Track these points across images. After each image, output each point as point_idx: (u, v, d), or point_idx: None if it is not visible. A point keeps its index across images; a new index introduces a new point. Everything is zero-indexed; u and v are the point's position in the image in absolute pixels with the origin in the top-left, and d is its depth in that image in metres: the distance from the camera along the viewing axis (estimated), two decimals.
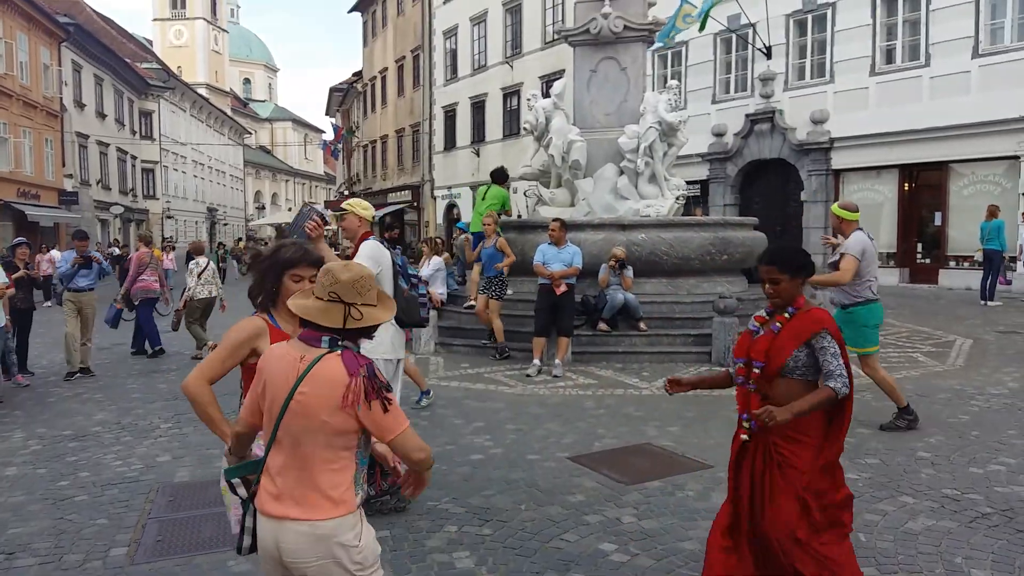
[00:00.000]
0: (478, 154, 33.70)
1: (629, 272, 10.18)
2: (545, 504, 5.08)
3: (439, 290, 11.22)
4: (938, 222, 20.02)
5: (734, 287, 10.91)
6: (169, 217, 52.69)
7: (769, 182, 23.14)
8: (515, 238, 11.13)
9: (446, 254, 12.54)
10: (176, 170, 55.83)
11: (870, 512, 4.84)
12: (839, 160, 21.49)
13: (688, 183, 16.48)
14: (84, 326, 10.21)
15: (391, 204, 41.97)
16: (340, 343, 2.40)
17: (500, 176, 11.94)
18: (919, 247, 20.72)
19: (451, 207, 36.57)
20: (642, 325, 10.11)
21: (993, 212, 16.04)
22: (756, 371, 3.26)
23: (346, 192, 53.20)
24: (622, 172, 12.22)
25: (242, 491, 2.48)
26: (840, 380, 3.15)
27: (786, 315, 3.32)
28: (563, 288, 9.01)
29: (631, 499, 5.16)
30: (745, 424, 3.27)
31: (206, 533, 4.75)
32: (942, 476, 5.50)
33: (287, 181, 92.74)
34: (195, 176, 60.89)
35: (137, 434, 7.11)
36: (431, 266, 11.54)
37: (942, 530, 4.54)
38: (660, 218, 11.61)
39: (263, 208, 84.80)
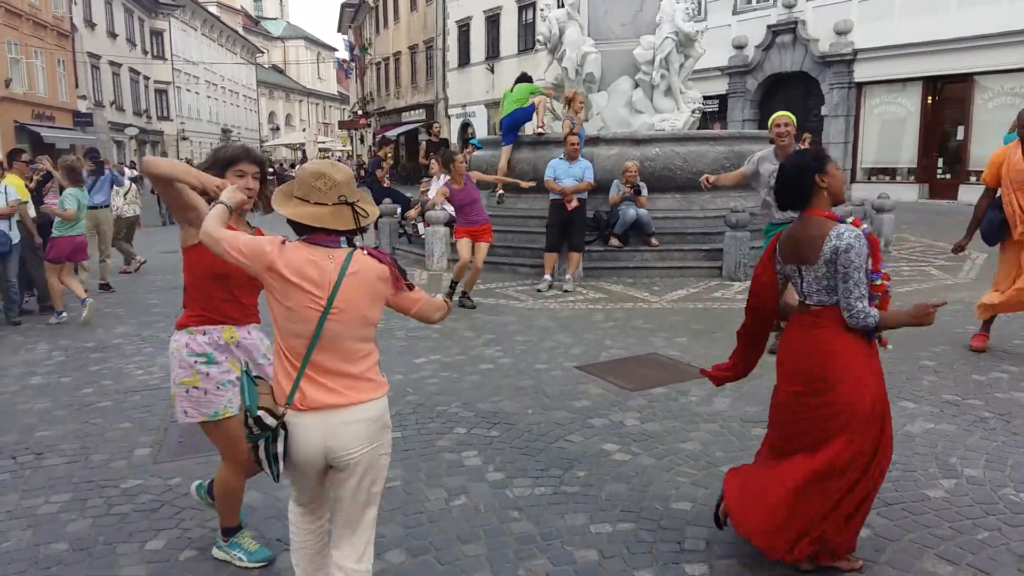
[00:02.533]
0: (492, 70, 33.15)
1: (644, 191, 10.13)
2: (551, 409, 5.23)
3: (448, 207, 11.22)
4: (960, 136, 19.64)
5: (747, 202, 10.84)
6: (184, 139, 52.52)
7: (790, 96, 22.66)
8: (529, 156, 11.08)
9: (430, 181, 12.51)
10: (189, 91, 55.34)
11: None
12: (862, 72, 20.99)
13: (707, 98, 16.24)
14: (102, 243, 10.36)
15: (405, 123, 41.61)
16: (354, 243, 2.55)
17: (526, 77, 11.97)
18: (940, 162, 20.38)
19: (466, 126, 36.20)
20: (654, 240, 10.12)
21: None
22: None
23: (360, 112, 52.66)
24: (637, 85, 12.01)
25: (271, 420, 2.46)
26: None
27: None
28: (575, 203, 9.00)
29: (635, 404, 5.29)
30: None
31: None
32: (944, 383, 5.58)
33: (301, 101, 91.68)
34: (208, 97, 60.36)
35: (157, 345, 7.31)
36: (442, 182, 11.52)
37: (939, 433, 4.65)
38: (675, 132, 11.46)
39: (277, 129, 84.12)
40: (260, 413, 2.45)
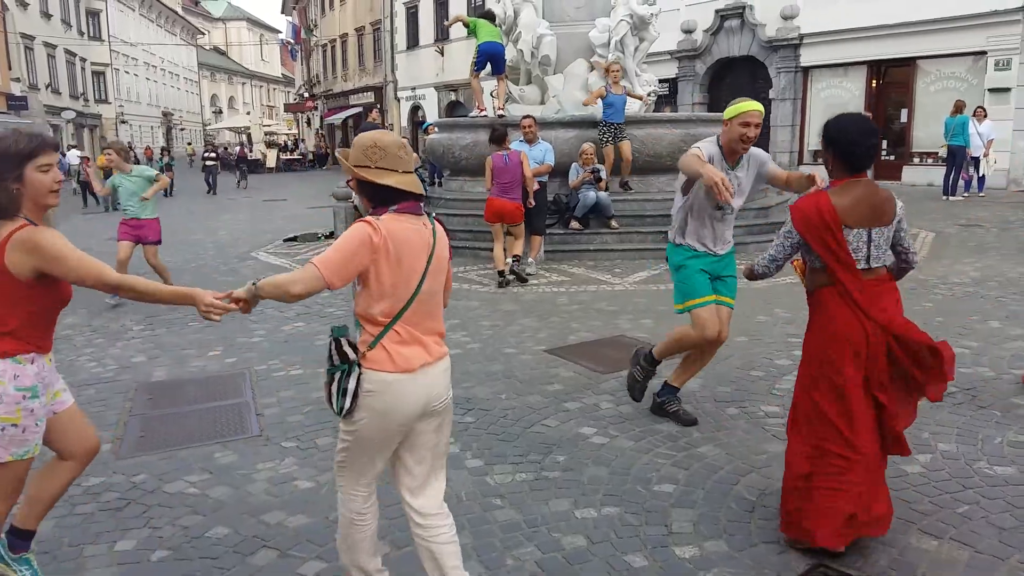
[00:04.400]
0: (442, 53, 32.78)
1: (603, 174, 10.12)
2: (524, 394, 5.18)
3: None
4: (904, 119, 20.08)
5: None
6: (123, 122, 50.91)
7: (738, 80, 22.88)
8: (486, 138, 10.93)
9: (415, 155, 12.29)
10: (128, 73, 53.67)
11: None
12: (808, 57, 21.27)
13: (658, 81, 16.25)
14: None
15: (353, 106, 40.94)
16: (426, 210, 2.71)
17: (491, 16, 11.99)
18: (884, 144, 20.82)
19: (415, 109, 35.80)
20: (614, 223, 10.12)
21: (959, 107, 16.09)
22: None
23: (306, 95, 51.70)
24: (593, 68, 11.96)
25: (351, 351, 2.55)
26: None
27: None
28: (535, 187, 8.93)
29: (608, 387, 5.27)
30: None
31: (188, 428, 4.78)
32: None
33: (244, 84, 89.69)
34: (148, 79, 58.65)
35: (109, 336, 7.05)
36: None
37: None
38: (631, 115, 11.45)
39: (220, 112, 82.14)
40: (343, 340, 2.55)
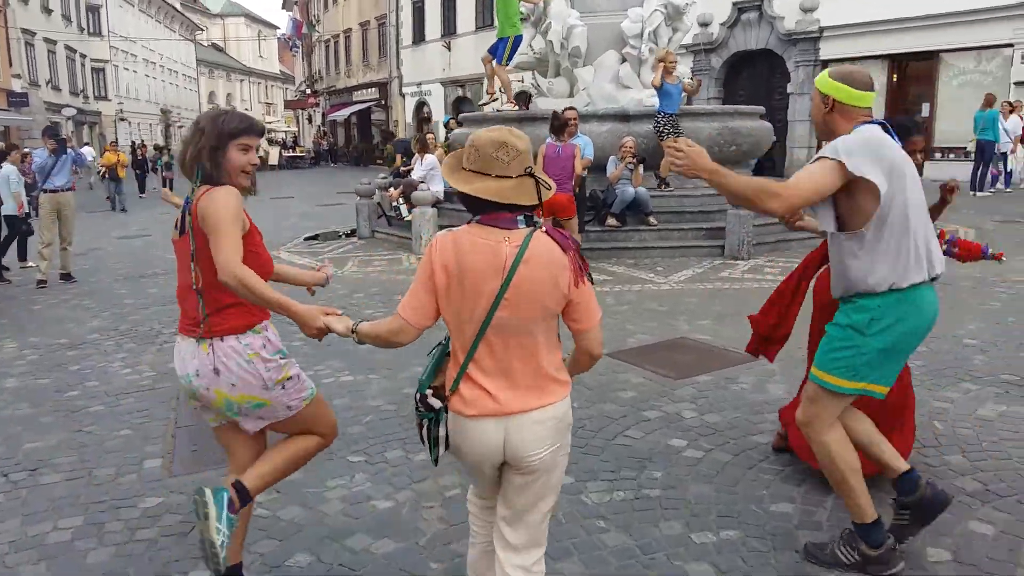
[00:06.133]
0: (449, 48, 32.42)
1: (640, 169, 9.79)
2: (597, 402, 4.85)
3: (435, 188, 10.74)
4: (925, 113, 19.76)
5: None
6: (123, 119, 50.41)
7: (755, 74, 22.56)
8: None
9: (439, 150, 11.96)
10: (127, 69, 53.13)
11: (937, 400, 4.68)
12: (827, 50, 20.92)
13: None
14: (64, 229, 9.62)
15: (357, 103, 40.62)
16: (535, 221, 2.23)
17: None
18: None
19: (421, 105, 35.43)
20: (652, 219, 9.79)
21: (990, 101, 15.77)
22: None
23: (308, 91, 51.29)
24: (624, 59, 11.62)
25: (436, 402, 2.28)
26: None
27: None
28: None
29: (685, 393, 4.95)
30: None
31: None
32: (995, 363, 5.37)
33: (242, 81, 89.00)
34: (147, 76, 58.07)
35: (140, 340, 6.71)
36: (424, 165, 11.03)
37: (1016, 415, 4.40)
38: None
39: None
40: (428, 391, 2.29)
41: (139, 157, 25.60)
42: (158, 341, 6.66)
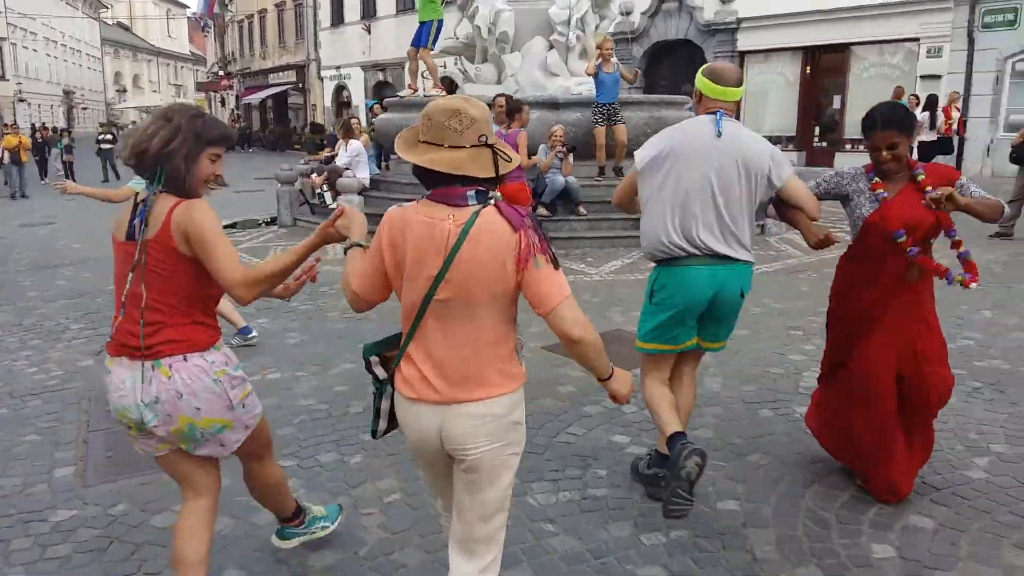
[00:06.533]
0: (369, 31, 31.78)
1: (571, 158, 9.72)
2: (537, 398, 4.75)
3: (361, 175, 10.46)
4: (837, 105, 20.39)
5: None
6: (22, 100, 47.74)
7: (675, 64, 22.86)
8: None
9: (364, 136, 11.64)
10: (27, 48, 50.34)
11: None
12: (745, 41, 21.38)
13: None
14: None
15: (273, 86, 39.47)
16: (488, 195, 2.07)
17: None
18: (816, 131, 21.14)
19: (341, 89, 34.68)
20: (582, 209, 9.75)
21: (899, 94, 16.32)
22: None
23: (221, 73, 49.56)
24: (552, 46, 11.53)
25: (380, 371, 2.25)
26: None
27: (919, 176, 3.16)
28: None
29: None
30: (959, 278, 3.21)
31: None
32: None
33: (150, 61, 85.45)
34: (48, 55, 55.17)
35: (46, 337, 6.28)
36: (349, 151, 10.72)
37: None
38: (586, 97, 11.07)
39: (124, 91, 78.14)
40: (373, 359, 2.25)
41: (40, 140, 24.05)
42: (65, 337, 6.24)
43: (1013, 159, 9.92)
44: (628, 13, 23.02)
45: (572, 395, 4.79)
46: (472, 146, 2.03)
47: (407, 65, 12.67)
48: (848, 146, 20.00)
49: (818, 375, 3.75)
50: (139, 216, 2.35)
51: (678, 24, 22.35)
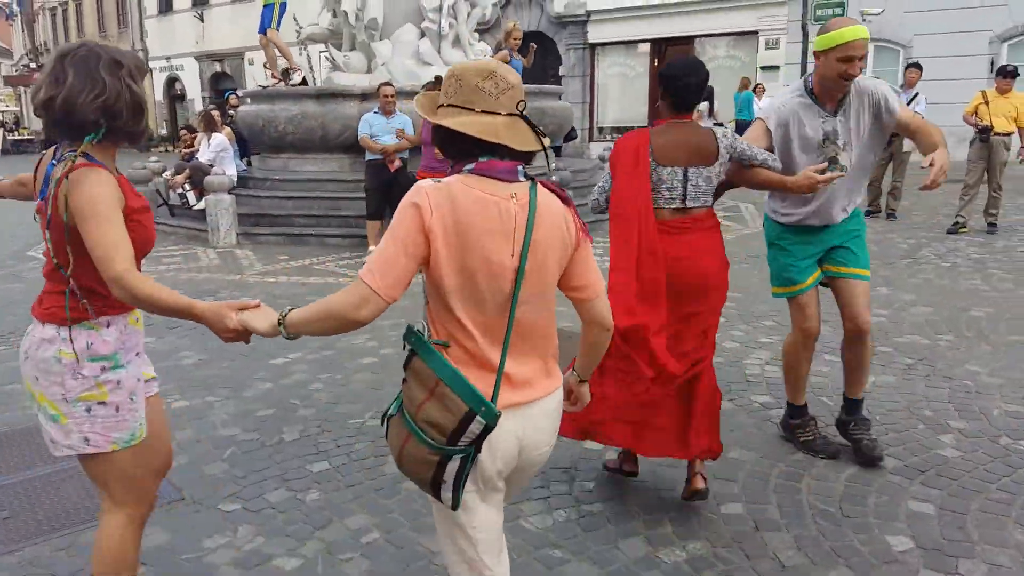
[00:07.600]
0: (202, 19, 29.86)
1: None
2: None
3: (229, 171, 9.65)
4: None
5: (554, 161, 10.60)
6: None
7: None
8: (316, 109, 9.79)
9: (227, 129, 10.74)
10: None
11: (813, 375, 4.79)
12: (595, 34, 21.76)
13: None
14: None
15: None
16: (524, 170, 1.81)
17: None
18: None
19: (173, 81, 32.45)
20: None
21: (745, 84, 17.15)
22: None
23: (32, 66, 45.16)
24: (423, 34, 11.10)
25: (478, 425, 1.72)
26: None
27: None
28: (397, 163, 8.05)
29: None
30: None
31: (71, 497, 3.51)
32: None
33: None
34: None
35: None
36: (213, 146, 9.87)
37: (887, 384, 4.60)
38: None
39: None
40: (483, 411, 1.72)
41: None
42: None
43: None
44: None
45: None
46: (508, 114, 1.76)
47: (264, 53, 11.93)
48: None
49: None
50: (48, 177, 2.12)
51: (529, 16, 22.42)
